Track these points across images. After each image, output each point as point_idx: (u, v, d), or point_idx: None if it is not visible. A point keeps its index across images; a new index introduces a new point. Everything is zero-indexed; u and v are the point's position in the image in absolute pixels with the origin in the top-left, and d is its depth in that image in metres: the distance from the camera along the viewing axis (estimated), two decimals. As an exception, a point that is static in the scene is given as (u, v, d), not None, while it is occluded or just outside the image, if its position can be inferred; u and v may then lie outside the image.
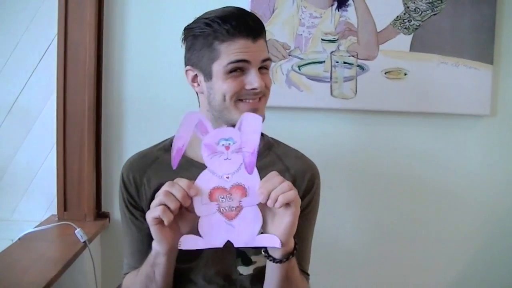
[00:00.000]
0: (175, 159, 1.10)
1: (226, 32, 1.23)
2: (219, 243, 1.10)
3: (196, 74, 1.33)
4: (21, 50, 1.97)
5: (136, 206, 1.39)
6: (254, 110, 1.26)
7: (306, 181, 1.40)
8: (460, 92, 1.96)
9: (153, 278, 1.23)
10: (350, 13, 1.94)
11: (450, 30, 1.95)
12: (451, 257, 2.10)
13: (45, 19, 1.95)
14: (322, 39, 1.94)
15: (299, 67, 1.95)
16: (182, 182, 1.09)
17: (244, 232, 1.09)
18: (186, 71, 1.35)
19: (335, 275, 2.02)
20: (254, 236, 1.09)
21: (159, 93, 1.99)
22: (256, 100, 1.30)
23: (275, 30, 1.93)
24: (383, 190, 2.06)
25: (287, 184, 1.08)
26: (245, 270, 1.37)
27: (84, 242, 1.75)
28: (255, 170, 1.08)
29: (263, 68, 1.29)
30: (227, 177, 1.09)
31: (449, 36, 1.95)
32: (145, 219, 1.37)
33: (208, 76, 1.29)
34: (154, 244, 1.16)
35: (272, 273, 1.21)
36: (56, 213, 1.98)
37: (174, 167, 1.10)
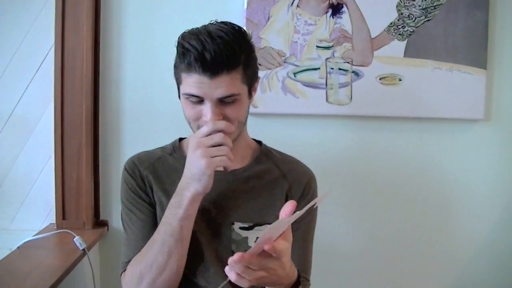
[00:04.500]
0: None
1: (187, 64, 1.23)
2: None
3: None
4: (18, 59, 1.97)
5: (140, 195, 1.40)
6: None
7: (303, 187, 1.42)
8: (455, 97, 1.98)
9: (179, 237, 1.25)
10: (345, 20, 1.95)
11: (443, 35, 1.96)
12: (447, 262, 2.11)
13: (43, 29, 1.95)
14: (317, 46, 1.96)
15: (294, 74, 1.96)
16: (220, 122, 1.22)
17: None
18: None
19: (332, 281, 2.01)
20: None
21: (156, 101, 1.99)
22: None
23: (270, 37, 1.94)
24: (379, 195, 2.07)
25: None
26: None
27: (83, 249, 1.76)
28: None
29: (230, 99, 1.26)
30: None
31: (443, 41, 1.96)
32: (150, 204, 1.40)
33: (179, 96, 1.33)
34: (194, 184, 1.23)
35: None
36: (54, 221, 1.98)
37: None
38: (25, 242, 1.78)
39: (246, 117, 1.37)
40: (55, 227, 1.96)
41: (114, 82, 2.00)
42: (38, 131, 2.01)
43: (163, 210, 1.33)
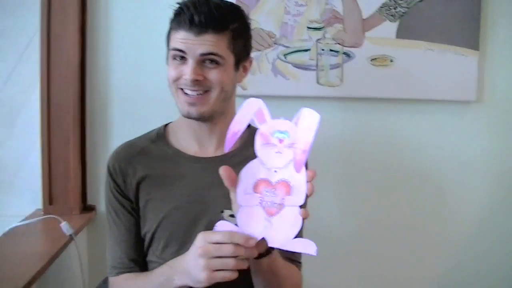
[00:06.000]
0: (229, 142, 1.07)
1: (177, 22, 1.29)
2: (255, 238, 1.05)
3: None
4: (2, 43, 1.94)
5: (124, 195, 1.40)
6: (191, 104, 1.30)
7: None
8: (447, 78, 1.96)
9: None
10: (336, 1, 1.92)
11: (436, 16, 1.93)
12: (441, 245, 2.10)
13: (27, 12, 1.91)
14: (308, 27, 1.93)
15: (285, 55, 1.94)
16: (239, 236, 1.05)
17: (281, 233, 1.03)
18: None
19: (326, 267, 2.00)
20: (290, 239, 1.03)
21: (144, 84, 1.97)
22: (194, 93, 1.30)
23: (260, 18, 1.91)
24: (371, 178, 2.06)
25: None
26: None
27: (70, 235, 1.74)
28: (303, 170, 1.03)
29: (213, 61, 1.29)
30: (275, 171, 1.05)
31: (435, 22, 1.94)
32: (133, 209, 1.40)
33: (167, 60, 1.35)
34: (188, 281, 1.15)
35: (255, 269, 1.20)
36: (41, 207, 1.96)
37: (226, 150, 1.09)
38: (11, 229, 1.76)
39: (232, 91, 1.37)
40: (42, 213, 1.93)
41: (102, 65, 1.97)
42: (24, 116, 1.98)
43: (149, 203, 1.37)
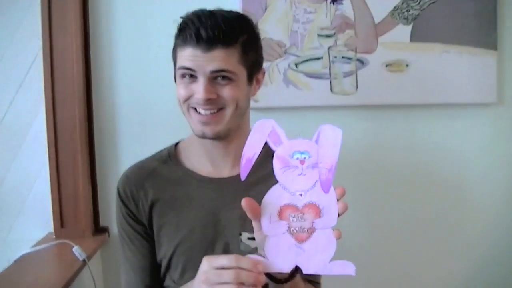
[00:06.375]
0: (244, 170, 1.00)
1: (182, 39, 1.21)
2: (287, 268, 1.00)
3: None
4: (5, 65, 1.90)
5: (137, 220, 1.35)
6: (205, 124, 1.24)
7: None
8: (465, 80, 1.92)
9: None
10: (346, 6, 1.88)
11: (450, 17, 1.89)
12: (460, 249, 2.06)
13: (29, 32, 1.88)
14: (318, 35, 1.88)
15: (296, 64, 1.89)
16: (246, 260, 0.99)
17: (316, 258, 0.98)
18: None
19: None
20: (326, 262, 0.98)
21: (153, 100, 1.93)
22: (208, 112, 1.23)
23: (269, 28, 1.87)
24: (389, 187, 2.02)
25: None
26: None
27: (83, 260, 1.69)
28: (332, 189, 0.98)
29: (225, 78, 1.21)
30: (300, 195, 0.99)
31: (450, 23, 1.90)
32: (147, 234, 1.35)
33: (175, 79, 1.28)
34: None
35: None
36: (52, 230, 1.92)
37: (243, 179, 1.00)
38: (22, 256, 1.72)
39: (246, 107, 1.31)
40: (54, 237, 1.90)
41: (108, 83, 1.93)
42: (31, 137, 1.94)
43: (162, 228, 1.32)
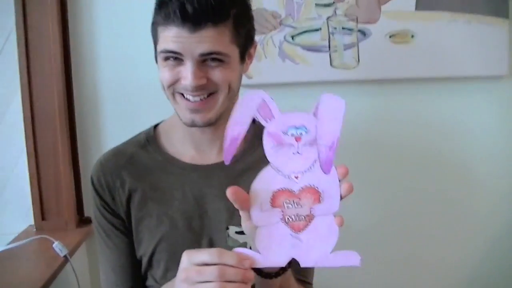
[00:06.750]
0: (228, 152, 0.87)
1: (164, 16, 1.06)
2: (282, 261, 0.90)
3: None
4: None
5: (114, 213, 1.24)
6: (195, 111, 1.12)
7: None
8: (474, 52, 1.85)
9: None
10: (346, -28, 1.79)
11: (458, -17, 1.82)
12: (470, 229, 2.02)
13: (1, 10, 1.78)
14: (316, 4, 1.80)
15: (292, 37, 1.81)
16: (230, 255, 0.89)
17: (315, 249, 0.88)
18: None
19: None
20: (327, 253, 0.88)
21: (138, 79, 1.84)
22: (197, 99, 1.10)
23: (262, -3, 1.79)
24: (393, 165, 1.98)
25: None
26: None
27: (65, 256, 1.58)
28: (333, 170, 0.87)
29: (216, 60, 1.08)
30: (296, 177, 0.88)
31: (457, -11, 1.82)
32: (125, 228, 1.23)
33: (156, 59, 1.14)
34: None
35: None
36: (33, 223, 1.82)
37: (227, 163, 0.87)
38: (-1, 252, 1.61)
39: (239, 87, 1.18)
40: (35, 230, 1.80)
41: (88, 61, 1.84)
42: (6, 124, 1.85)
43: (142, 221, 1.22)
